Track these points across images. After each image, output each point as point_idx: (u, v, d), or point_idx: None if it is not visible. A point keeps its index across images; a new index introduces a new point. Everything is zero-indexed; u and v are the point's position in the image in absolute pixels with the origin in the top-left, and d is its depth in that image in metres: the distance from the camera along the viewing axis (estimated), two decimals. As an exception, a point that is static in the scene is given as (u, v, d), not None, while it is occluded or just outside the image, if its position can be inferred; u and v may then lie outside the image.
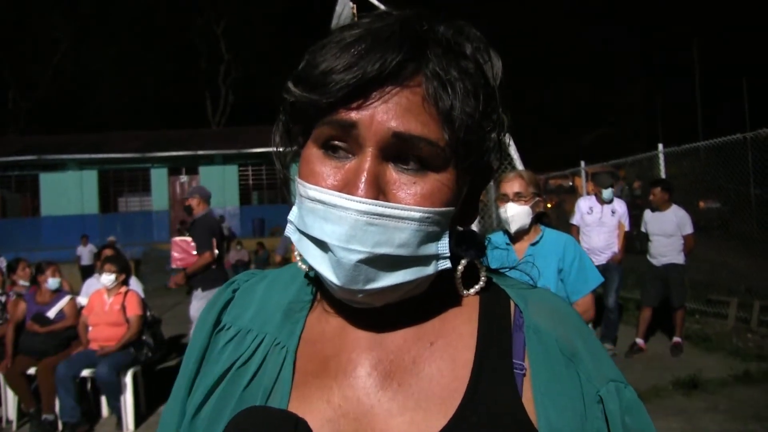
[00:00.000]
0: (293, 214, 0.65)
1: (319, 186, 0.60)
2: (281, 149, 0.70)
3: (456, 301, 0.70)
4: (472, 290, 0.70)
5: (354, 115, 0.57)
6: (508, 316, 0.69)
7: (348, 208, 0.57)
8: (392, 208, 0.58)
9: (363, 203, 0.57)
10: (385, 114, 0.57)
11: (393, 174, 0.59)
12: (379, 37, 0.58)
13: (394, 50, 0.56)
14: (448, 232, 0.63)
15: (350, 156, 0.60)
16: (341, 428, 0.61)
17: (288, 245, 8.19)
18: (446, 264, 0.63)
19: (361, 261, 0.57)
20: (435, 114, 0.58)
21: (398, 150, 0.59)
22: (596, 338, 0.71)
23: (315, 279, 0.72)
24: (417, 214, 0.58)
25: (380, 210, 0.57)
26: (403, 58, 0.57)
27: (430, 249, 0.61)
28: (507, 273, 0.77)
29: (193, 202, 5.84)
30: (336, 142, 0.60)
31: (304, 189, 0.61)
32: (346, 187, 0.58)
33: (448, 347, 0.66)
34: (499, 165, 0.70)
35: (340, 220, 0.57)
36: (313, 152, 0.62)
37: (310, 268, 0.64)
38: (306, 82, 0.60)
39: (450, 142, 0.58)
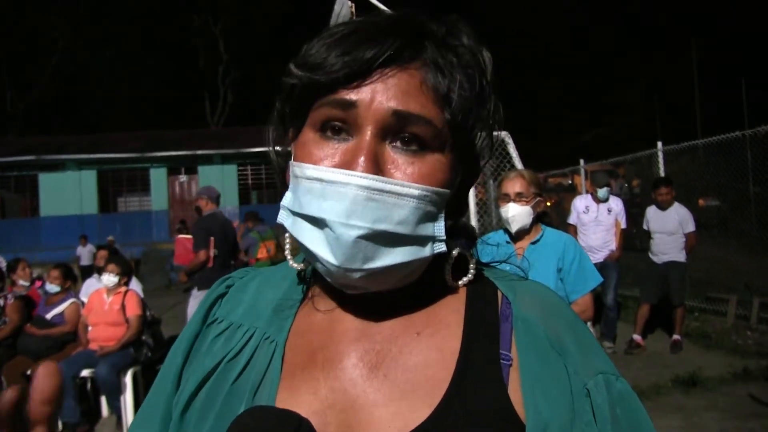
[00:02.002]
0: (287, 199, 0.66)
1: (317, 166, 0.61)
2: (277, 143, 0.71)
3: (444, 291, 0.70)
4: (460, 282, 0.71)
5: (353, 95, 0.59)
6: (495, 306, 0.69)
7: (348, 183, 0.58)
8: (392, 183, 0.58)
9: (364, 178, 0.57)
10: (384, 94, 0.59)
11: (391, 154, 0.61)
12: (376, 27, 0.60)
13: (392, 36, 0.59)
14: (444, 216, 0.64)
15: (348, 138, 0.61)
16: (328, 420, 0.61)
17: (252, 244, 8.39)
18: (442, 247, 0.64)
19: (360, 237, 0.58)
20: (432, 97, 0.60)
21: (397, 130, 0.60)
22: (587, 329, 0.71)
23: (305, 277, 0.73)
24: (416, 192, 0.59)
25: (380, 185, 0.58)
26: (401, 44, 0.59)
27: (427, 229, 0.62)
28: (497, 266, 0.77)
29: (201, 202, 5.98)
30: (334, 123, 0.61)
31: (301, 169, 0.62)
32: (345, 165, 0.59)
33: (435, 337, 0.66)
34: (488, 159, 0.71)
35: (339, 196, 0.58)
36: (310, 136, 0.63)
37: (307, 252, 0.64)
38: (306, 65, 0.61)
39: (447, 123, 0.60)
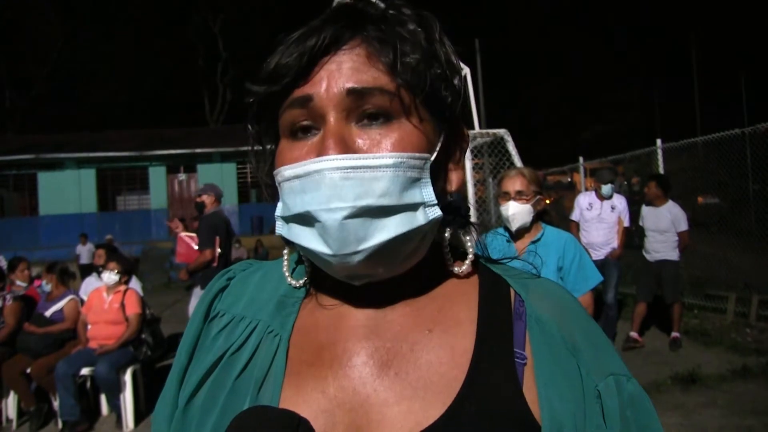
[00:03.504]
0: (278, 209, 0.66)
1: None
2: (258, 163, 0.73)
3: (454, 288, 0.69)
4: (464, 267, 0.69)
5: (308, 88, 0.60)
6: (508, 304, 0.68)
7: (320, 169, 0.58)
8: (363, 158, 0.58)
9: (333, 159, 0.57)
10: (335, 78, 0.60)
11: (360, 133, 0.60)
12: (317, 22, 0.62)
13: (330, 24, 0.61)
14: (430, 181, 0.62)
15: (318, 132, 0.62)
16: (336, 419, 0.60)
17: None
18: (436, 212, 0.62)
19: (346, 217, 0.57)
20: (382, 68, 0.60)
21: (358, 107, 0.60)
22: (599, 329, 0.70)
23: (308, 277, 0.73)
24: (390, 161, 0.58)
25: (352, 162, 0.57)
26: (340, 27, 0.60)
27: (414, 196, 0.60)
28: (509, 263, 0.76)
29: (207, 199, 5.85)
30: (302, 123, 0.62)
31: (280, 173, 0.62)
32: (317, 156, 0.60)
33: (447, 334, 0.65)
34: (460, 115, 0.69)
35: (316, 186, 0.58)
36: (283, 144, 0.65)
37: (306, 252, 0.64)
38: (260, 79, 0.63)
39: (404, 87, 0.60)
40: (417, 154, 0.61)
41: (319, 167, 0.58)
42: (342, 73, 0.60)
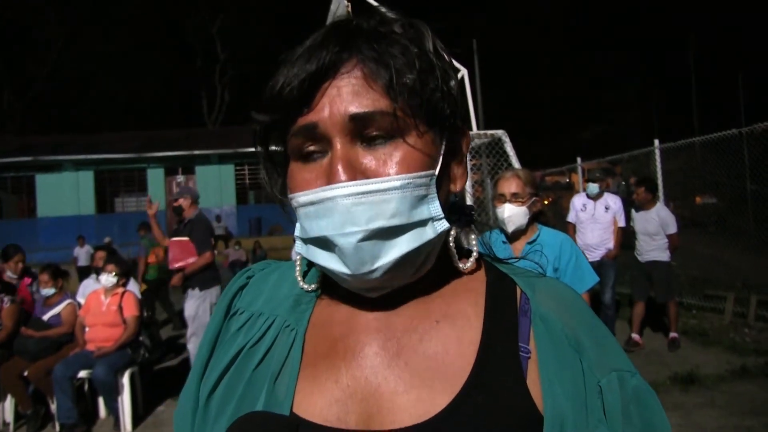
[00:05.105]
0: (297, 230, 0.69)
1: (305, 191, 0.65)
2: (274, 185, 0.75)
3: (462, 285, 0.72)
4: (468, 263, 0.72)
5: (312, 116, 0.63)
6: (514, 301, 0.71)
7: (333, 197, 0.61)
8: (372, 183, 0.61)
9: (344, 187, 0.60)
10: (337, 105, 0.62)
11: (365, 154, 0.63)
12: (314, 43, 0.64)
13: (326, 48, 0.62)
14: (436, 195, 0.65)
15: (325, 154, 0.64)
16: (349, 408, 0.63)
17: (149, 248, 9.16)
18: (444, 224, 0.65)
19: (360, 240, 0.60)
20: (380, 89, 0.62)
21: (362, 131, 0.62)
22: (604, 327, 0.72)
23: (319, 282, 0.76)
24: (398, 183, 0.61)
25: (362, 188, 0.60)
26: (337, 50, 0.62)
27: (422, 213, 0.64)
28: (514, 263, 0.79)
29: (185, 202, 5.70)
30: (309, 148, 0.64)
31: (295, 199, 0.65)
32: (329, 180, 0.62)
33: (454, 326, 0.68)
34: (459, 119, 0.71)
35: (330, 212, 0.61)
36: (293, 166, 0.67)
37: (325, 271, 0.67)
38: (265, 107, 0.66)
39: (402, 108, 0.62)
40: (422, 173, 0.63)
41: (331, 194, 0.61)
42: (342, 98, 0.62)
